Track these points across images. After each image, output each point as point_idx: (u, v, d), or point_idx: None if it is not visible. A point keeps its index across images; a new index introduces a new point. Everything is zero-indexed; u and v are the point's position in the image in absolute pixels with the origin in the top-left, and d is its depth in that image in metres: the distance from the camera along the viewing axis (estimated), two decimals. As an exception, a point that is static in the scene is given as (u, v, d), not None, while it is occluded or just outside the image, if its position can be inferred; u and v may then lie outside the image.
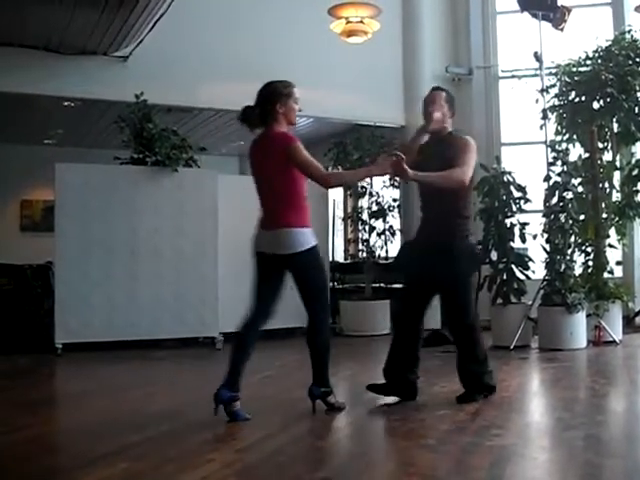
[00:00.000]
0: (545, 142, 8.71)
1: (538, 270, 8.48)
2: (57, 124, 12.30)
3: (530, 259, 8.53)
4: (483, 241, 8.60)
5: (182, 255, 8.78)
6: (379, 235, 10.54)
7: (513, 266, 8.45)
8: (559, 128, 9.39)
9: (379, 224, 10.53)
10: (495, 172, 8.61)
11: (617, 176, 9.36)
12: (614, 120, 9.09)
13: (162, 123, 9.00)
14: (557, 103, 9.35)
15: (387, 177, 10.08)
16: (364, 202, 10.58)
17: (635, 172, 9.22)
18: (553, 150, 8.47)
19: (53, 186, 8.55)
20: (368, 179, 10.27)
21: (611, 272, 8.69)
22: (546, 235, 8.26)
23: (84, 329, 8.30)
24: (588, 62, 9.16)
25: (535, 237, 8.41)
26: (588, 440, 4.00)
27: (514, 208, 8.51)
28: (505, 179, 8.55)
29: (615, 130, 9.16)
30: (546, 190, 8.36)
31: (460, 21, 11.57)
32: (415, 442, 4.23)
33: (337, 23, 8.72)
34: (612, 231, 9.05)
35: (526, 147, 10.77)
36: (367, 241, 10.52)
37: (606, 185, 9.09)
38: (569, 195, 8.31)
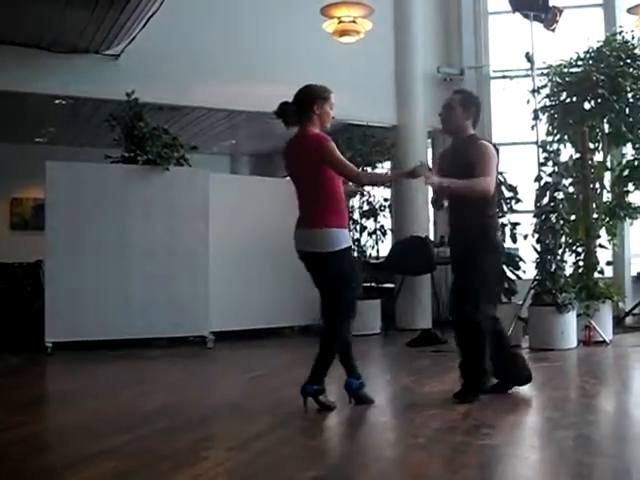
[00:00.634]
0: (536, 142, 8.72)
1: (529, 270, 8.51)
2: (48, 122, 12.27)
3: (521, 259, 8.55)
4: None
5: (173, 254, 8.76)
6: (370, 235, 10.55)
7: (504, 266, 8.45)
8: (550, 129, 9.42)
9: (370, 223, 10.55)
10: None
11: (608, 176, 9.38)
12: (605, 121, 9.12)
13: (153, 122, 8.99)
14: (548, 104, 9.39)
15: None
16: (355, 201, 10.59)
17: (626, 173, 9.26)
18: (544, 150, 8.49)
19: (44, 184, 8.52)
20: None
21: (601, 272, 8.72)
22: (537, 235, 8.28)
23: (74, 328, 8.26)
24: (579, 63, 9.20)
25: (526, 237, 8.43)
26: (578, 440, 4.02)
27: (505, 208, 8.53)
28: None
29: (606, 131, 9.18)
30: (537, 190, 8.38)
31: (452, 21, 11.59)
32: (406, 441, 4.24)
33: (329, 23, 8.71)
34: (603, 231, 9.08)
35: (517, 147, 10.78)
36: (358, 240, 10.52)
37: (597, 185, 9.13)
38: (560, 195, 8.32)
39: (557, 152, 8.60)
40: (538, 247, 8.25)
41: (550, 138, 9.25)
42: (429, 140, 11.69)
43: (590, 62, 9.06)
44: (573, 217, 8.55)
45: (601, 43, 9.19)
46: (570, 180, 8.70)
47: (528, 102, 9.13)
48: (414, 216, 10.88)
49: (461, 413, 4.78)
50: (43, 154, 10.24)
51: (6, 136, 13.00)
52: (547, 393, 5.71)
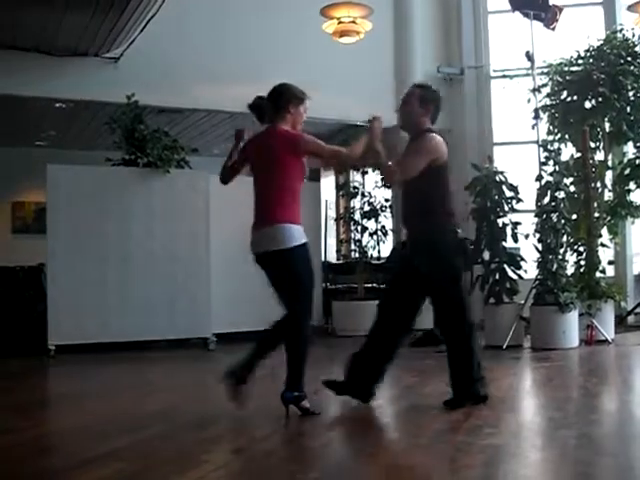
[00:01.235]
0: (537, 142, 8.71)
1: (530, 270, 8.49)
2: (49, 126, 12.27)
3: (522, 259, 8.53)
4: (476, 241, 8.61)
5: (174, 256, 8.76)
6: (371, 235, 10.55)
7: (505, 266, 8.45)
8: (551, 128, 9.40)
9: (371, 224, 10.55)
10: (487, 172, 8.60)
11: (609, 175, 9.37)
12: (606, 119, 9.10)
13: (154, 124, 8.99)
14: (549, 103, 9.38)
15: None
16: (356, 202, 10.59)
17: (627, 171, 9.25)
18: (545, 150, 8.48)
19: (45, 188, 8.54)
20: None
21: (603, 271, 8.70)
22: (538, 235, 8.26)
23: (77, 331, 8.29)
24: (580, 61, 9.18)
25: (527, 237, 8.41)
26: (581, 439, 4.00)
27: (506, 208, 8.51)
28: (497, 179, 8.55)
29: (607, 129, 9.17)
30: (538, 190, 8.37)
31: (451, 21, 11.59)
32: (408, 441, 4.23)
33: (329, 23, 8.73)
34: (604, 230, 9.06)
35: (518, 147, 10.79)
36: (359, 241, 10.53)
37: (598, 184, 9.11)
38: (561, 194, 8.31)
39: (558, 151, 8.60)
40: (539, 246, 8.24)
41: (551, 137, 9.24)
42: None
43: (590, 60, 9.06)
44: (574, 216, 8.55)
45: (601, 41, 9.18)
46: (571, 179, 8.70)
47: (529, 101, 9.12)
48: (415, 216, 10.85)
49: (463, 413, 4.76)
50: (44, 157, 10.23)
51: (7, 140, 12.99)
52: (549, 393, 5.70)
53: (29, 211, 14.19)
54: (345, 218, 10.93)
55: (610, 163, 9.37)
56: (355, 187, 10.61)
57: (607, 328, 8.19)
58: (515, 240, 8.52)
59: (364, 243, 10.53)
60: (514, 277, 8.47)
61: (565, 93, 9.27)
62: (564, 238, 8.33)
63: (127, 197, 8.69)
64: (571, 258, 8.54)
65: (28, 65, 8.78)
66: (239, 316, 9.01)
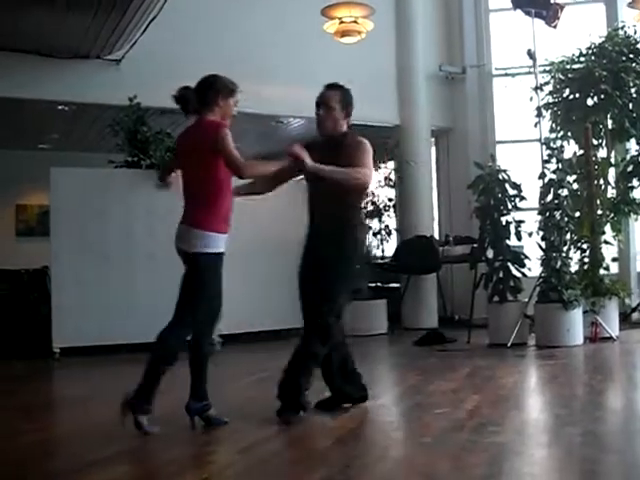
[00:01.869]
0: (540, 140, 8.69)
1: (534, 267, 8.48)
2: (52, 128, 12.27)
3: (526, 257, 8.52)
4: (479, 239, 8.62)
5: (177, 258, 8.71)
6: (375, 235, 10.55)
7: (509, 264, 8.44)
8: (553, 125, 9.38)
9: (375, 224, 10.54)
10: (490, 170, 8.60)
11: (612, 172, 9.34)
12: (608, 117, 9.08)
13: (156, 126, 8.99)
14: (551, 100, 9.36)
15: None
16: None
17: (630, 168, 9.22)
18: (548, 147, 8.46)
19: (48, 190, 8.54)
20: None
21: (607, 268, 8.68)
22: (542, 232, 8.24)
23: (81, 333, 8.28)
24: (582, 59, 9.16)
25: (531, 235, 8.39)
26: (586, 436, 4.00)
27: (509, 206, 8.49)
28: (500, 177, 8.54)
29: (609, 127, 9.15)
30: (541, 188, 8.35)
31: (453, 20, 11.59)
32: (413, 440, 4.24)
33: (330, 23, 8.73)
34: (607, 227, 9.03)
35: (521, 145, 10.77)
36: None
37: (601, 182, 9.09)
38: (564, 192, 8.29)
39: (561, 149, 8.58)
40: (543, 244, 8.23)
41: (553, 135, 9.22)
42: (432, 139, 11.69)
43: (592, 58, 9.03)
44: (578, 214, 8.52)
45: (603, 38, 9.15)
46: (574, 177, 8.67)
47: (531, 99, 9.10)
48: (419, 216, 10.88)
49: (467, 411, 4.78)
50: (47, 160, 10.23)
51: (10, 143, 13.00)
52: (554, 390, 5.70)
53: (33, 214, 14.19)
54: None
55: (613, 160, 9.33)
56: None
57: (611, 325, 8.17)
58: (519, 238, 8.51)
59: (368, 243, 10.52)
60: (518, 275, 8.46)
61: (567, 91, 9.25)
62: (567, 236, 8.30)
63: (130, 199, 8.69)
64: (575, 255, 8.52)
65: (30, 68, 8.77)
66: (244, 317, 9.01)
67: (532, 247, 8.50)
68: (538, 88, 9.04)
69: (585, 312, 8.01)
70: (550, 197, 8.28)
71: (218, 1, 9.77)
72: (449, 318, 11.04)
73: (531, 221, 8.45)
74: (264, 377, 6.55)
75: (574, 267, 8.42)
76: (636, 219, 9.76)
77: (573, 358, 7.25)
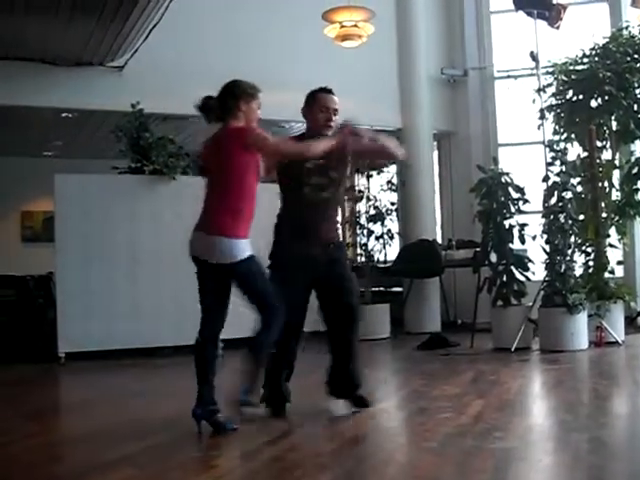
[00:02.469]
0: (543, 142, 8.67)
1: (538, 271, 8.45)
2: (56, 136, 12.31)
3: (530, 260, 8.49)
4: (482, 243, 8.60)
5: (181, 263, 8.69)
6: (377, 239, 10.53)
7: (513, 268, 8.41)
8: (557, 128, 9.32)
9: (377, 228, 10.52)
10: (493, 173, 8.57)
11: (616, 175, 9.30)
12: (613, 118, 9.01)
13: (159, 132, 9.00)
14: (554, 102, 9.30)
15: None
16: (362, 206, 10.57)
17: (635, 170, 9.13)
18: (551, 150, 8.43)
19: (53, 197, 8.57)
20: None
21: (612, 272, 8.62)
22: (545, 236, 8.21)
23: (86, 338, 8.32)
24: (585, 60, 9.07)
25: (534, 238, 8.36)
26: (592, 443, 3.97)
27: (513, 209, 8.47)
28: (503, 180, 8.51)
29: (614, 128, 9.08)
30: (545, 190, 8.32)
31: (454, 22, 11.58)
32: (417, 446, 4.22)
33: (331, 27, 8.71)
34: (612, 230, 8.98)
35: (524, 147, 10.76)
36: (365, 245, 10.51)
37: (605, 184, 9.04)
38: (568, 195, 8.26)
39: (564, 151, 8.54)
40: (547, 248, 8.19)
41: (557, 137, 9.16)
42: (434, 142, 11.68)
43: (596, 59, 8.94)
44: (582, 217, 8.48)
45: (607, 39, 9.05)
46: (578, 179, 8.63)
47: (534, 101, 9.08)
48: (421, 219, 10.88)
49: (472, 417, 4.75)
50: (51, 167, 10.26)
51: (15, 150, 13.07)
52: (559, 395, 5.66)
53: (38, 220, 14.25)
54: (351, 222, 10.91)
55: (617, 162, 9.28)
56: (360, 191, 10.60)
57: (617, 329, 8.12)
58: (522, 242, 8.48)
59: (370, 247, 10.51)
60: (522, 279, 8.43)
61: (571, 92, 9.18)
62: (572, 239, 8.26)
63: (134, 205, 8.72)
64: (579, 259, 8.47)
65: (33, 75, 8.81)
66: (246, 322, 8.99)
67: (536, 251, 8.46)
68: (541, 90, 9.01)
69: (590, 316, 7.96)
70: (554, 200, 8.24)
71: (219, 7, 9.77)
72: (452, 322, 11.02)
73: (535, 224, 8.42)
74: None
75: (579, 271, 8.38)
76: (641, 222, 9.73)
77: (578, 363, 7.22)
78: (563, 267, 8.08)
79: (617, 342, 7.98)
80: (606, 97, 8.77)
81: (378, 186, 10.67)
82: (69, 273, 8.41)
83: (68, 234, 8.44)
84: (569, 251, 8.20)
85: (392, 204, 10.58)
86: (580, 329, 7.82)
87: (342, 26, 8.61)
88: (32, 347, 8.99)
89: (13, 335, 9.27)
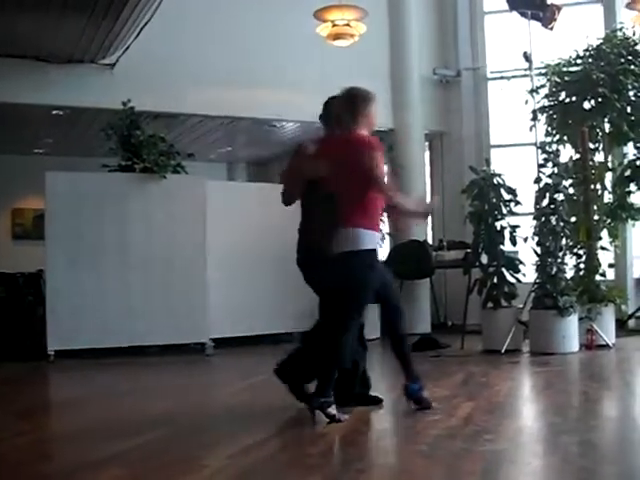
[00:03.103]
0: (535, 143, 8.66)
1: (529, 273, 8.44)
2: (46, 133, 12.27)
3: (521, 262, 8.48)
4: (473, 244, 8.58)
5: (172, 261, 8.77)
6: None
7: (503, 269, 8.40)
8: (549, 129, 9.31)
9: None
10: (485, 174, 8.55)
11: (609, 177, 9.28)
12: (606, 120, 8.99)
13: (150, 130, 8.97)
14: (547, 104, 9.29)
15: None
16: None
17: (627, 173, 9.13)
18: (543, 151, 8.42)
19: (44, 194, 8.55)
20: None
21: (603, 275, 8.62)
22: (537, 238, 8.20)
23: (76, 336, 8.31)
24: (579, 61, 9.06)
25: (526, 240, 8.34)
26: (582, 446, 3.95)
27: (504, 211, 8.45)
28: (495, 181, 8.50)
29: (607, 130, 9.06)
30: (537, 192, 8.30)
31: (447, 22, 11.56)
32: (407, 448, 4.19)
33: (323, 26, 8.68)
34: (604, 233, 8.97)
35: (516, 149, 10.75)
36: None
37: (598, 186, 9.03)
38: (560, 197, 8.24)
39: (556, 153, 8.52)
40: (538, 250, 8.17)
41: (549, 139, 9.15)
42: (426, 143, 11.67)
43: (590, 60, 8.93)
44: (574, 219, 8.47)
45: (601, 40, 9.04)
46: (570, 181, 8.62)
47: (526, 103, 9.08)
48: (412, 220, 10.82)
49: (461, 419, 4.73)
50: (42, 165, 10.24)
51: (6, 147, 13.04)
52: (549, 398, 5.64)
53: (29, 218, 14.22)
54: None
55: (610, 164, 9.27)
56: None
57: (607, 332, 8.11)
58: (513, 243, 8.47)
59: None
60: (512, 281, 8.41)
61: (564, 94, 9.17)
62: (563, 241, 8.24)
63: (124, 203, 8.71)
64: (570, 261, 8.46)
65: (24, 73, 8.77)
66: (236, 321, 9.00)
67: (527, 252, 8.44)
68: (534, 91, 9.00)
69: (581, 319, 7.95)
70: (546, 202, 8.23)
71: (211, 6, 9.74)
72: (442, 324, 11.01)
73: (526, 226, 8.40)
74: (257, 381, 6.54)
75: (570, 273, 8.36)
76: (633, 225, 9.72)
77: (568, 365, 7.21)
78: (554, 269, 8.06)
79: (608, 345, 7.97)
80: (599, 99, 8.75)
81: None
82: (59, 271, 8.41)
83: (58, 232, 8.43)
84: (560, 253, 8.19)
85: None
86: (571, 332, 7.81)
87: (334, 25, 8.57)
88: (21, 345, 8.96)
89: (2, 333, 9.24)
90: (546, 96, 9.29)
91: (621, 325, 9.00)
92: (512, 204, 8.46)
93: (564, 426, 4.48)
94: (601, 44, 8.99)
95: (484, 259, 8.47)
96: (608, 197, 9.20)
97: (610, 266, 9.09)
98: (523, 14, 8.78)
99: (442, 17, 11.61)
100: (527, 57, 8.63)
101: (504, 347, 7.93)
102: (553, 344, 7.77)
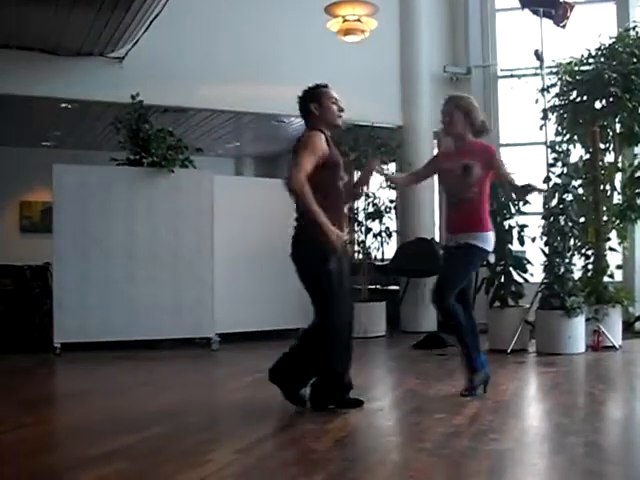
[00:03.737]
0: (545, 143, 8.62)
1: (537, 273, 8.41)
2: (55, 126, 12.28)
3: (529, 262, 8.45)
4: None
5: (179, 256, 8.77)
6: (375, 236, 10.47)
7: (511, 269, 8.37)
8: (559, 129, 9.22)
9: (375, 225, 10.46)
10: (494, 173, 8.50)
11: (619, 178, 9.21)
12: (617, 120, 8.89)
13: (158, 124, 8.96)
14: (558, 103, 9.21)
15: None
16: (360, 203, 10.51)
17: (637, 174, 9.02)
18: (553, 151, 8.37)
19: (51, 187, 8.54)
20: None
21: (611, 276, 8.57)
22: (545, 238, 8.17)
23: (82, 329, 8.33)
24: (591, 60, 8.93)
25: (534, 240, 8.32)
26: (588, 447, 3.93)
27: (513, 210, 8.42)
28: (504, 180, 8.45)
29: (618, 130, 8.97)
30: (545, 192, 8.27)
31: (458, 19, 11.49)
32: (412, 446, 4.17)
33: (334, 22, 8.66)
34: (613, 234, 8.90)
35: (526, 148, 10.69)
36: (363, 242, 10.46)
37: (607, 187, 8.96)
38: (569, 197, 8.20)
39: (567, 153, 8.47)
40: (546, 250, 8.14)
41: (559, 138, 9.07)
42: (435, 141, 11.63)
43: (602, 59, 8.81)
44: (582, 219, 8.42)
45: (614, 39, 8.90)
46: (580, 181, 8.57)
47: (537, 101, 9.02)
48: (419, 218, 10.83)
49: (467, 417, 4.72)
50: (50, 157, 10.26)
51: (14, 140, 13.09)
52: (555, 398, 5.62)
53: (36, 210, 14.29)
54: (349, 219, 10.83)
55: (620, 165, 9.20)
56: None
57: (614, 334, 8.07)
58: (521, 243, 8.44)
59: (368, 244, 10.46)
60: (520, 280, 8.39)
61: (575, 93, 9.07)
62: (572, 241, 8.20)
63: (132, 197, 8.70)
64: (579, 262, 8.41)
65: (33, 65, 8.76)
66: (243, 316, 8.99)
67: (535, 252, 8.42)
68: (545, 90, 8.95)
69: (587, 320, 7.92)
70: (555, 202, 8.19)
71: (220, 1, 9.72)
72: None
73: (534, 226, 8.37)
74: (263, 377, 6.51)
75: (577, 274, 8.32)
76: (643, 226, 9.67)
77: (574, 366, 7.18)
78: (562, 270, 8.03)
79: (614, 347, 7.93)
80: (611, 99, 8.65)
81: (377, 184, 10.61)
82: (66, 264, 8.41)
83: (66, 225, 8.43)
84: (568, 254, 8.15)
85: (391, 202, 10.51)
86: (577, 332, 7.78)
87: (345, 20, 8.55)
88: (28, 337, 9.01)
89: (9, 325, 9.30)
90: (557, 95, 9.21)
91: (628, 327, 8.96)
92: (521, 203, 8.41)
93: (570, 427, 4.47)
94: (613, 43, 8.86)
95: (492, 258, 8.42)
96: (617, 198, 9.13)
97: (618, 267, 9.04)
98: (535, 12, 8.73)
99: (453, 14, 11.55)
100: (538, 55, 8.58)
101: (510, 347, 7.90)
102: (559, 345, 7.74)
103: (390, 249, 10.86)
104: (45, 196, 12.21)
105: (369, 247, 10.46)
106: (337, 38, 8.89)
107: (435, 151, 11.70)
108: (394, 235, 10.67)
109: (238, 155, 15.88)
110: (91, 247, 8.50)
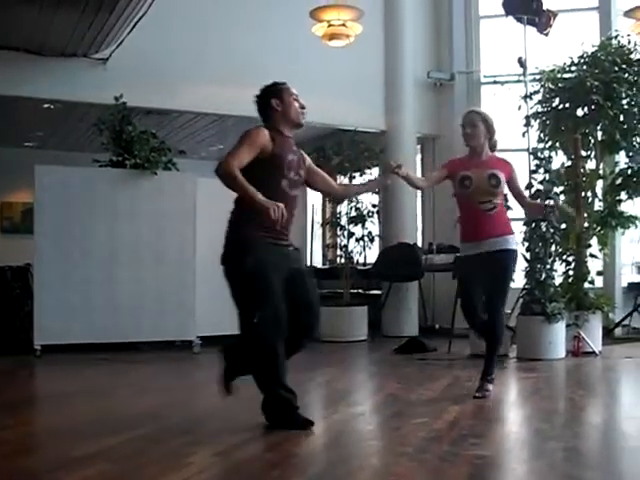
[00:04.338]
0: (527, 149, 8.67)
1: (517, 279, 8.43)
2: (37, 126, 12.23)
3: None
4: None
5: (161, 258, 8.74)
6: (358, 241, 10.47)
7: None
8: (542, 135, 9.28)
9: (358, 230, 10.47)
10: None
11: (600, 185, 9.28)
12: (598, 128, 8.97)
13: (141, 126, 8.94)
14: (540, 110, 9.27)
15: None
16: (343, 207, 10.52)
17: (618, 181, 9.10)
18: (535, 158, 8.43)
19: (33, 188, 8.50)
20: None
21: (592, 282, 8.63)
22: (527, 244, 8.21)
23: (63, 331, 8.27)
24: (573, 68, 9.01)
25: (515, 246, 8.35)
26: (568, 452, 3.95)
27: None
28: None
29: (599, 138, 9.04)
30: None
31: (443, 25, 11.55)
32: (393, 450, 4.17)
33: (319, 26, 8.66)
34: (594, 241, 8.96)
35: (508, 154, 10.69)
36: (346, 247, 10.47)
37: (589, 194, 9.03)
38: (551, 203, 8.24)
39: (549, 159, 8.53)
40: (528, 256, 8.18)
41: (542, 145, 9.13)
42: (418, 146, 11.67)
43: (584, 67, 8.89)
44: (564, 226, 8.48)
45: (596, 48, 9.00)
46: (562, 188, 8.63)
47: (519, 108, 9.08)
48: (402, 223, 10.86)
49: (448, 422, 4.72)
50: (32, 158, 10.19)
51: (-4, 140, 13.00)
52: (536, 404, 5.64)
53: (17, 211, 14.21)
54: (331, 223, 10.86)
55: (601, 172, 9.26)
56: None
57: (594, 340, 8.12)
58: (503, 249, 8.45)
59: (350, 248, 10.46)
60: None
61: (557, 100, 9.13)
62: (553, 247, 8.26)
63: (114, 198, 8.66)
64: (560, 268, 8.47)
65: (16, 65, 8.72)
66: (225, 319, 8.94)
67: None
68: (527, 97, 9.00)
69: (568, 326, 7.97)
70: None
71: (206, 3, 9.71)
72: (430, 327, 11.00)
73: (516, 232, 8.38)
74: (243, 379, 6.51)
75: (558, 280, 8.38)
76: (623, 233, 9.74)
77: (555, 372, 7.21)
78: (543, 275, 8.08)
79: (594, 352, 7.98)
80: (593, 106, 8.72)
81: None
82: (47, 265, 8.35)
83: (47, 226, 8.38)
84: (549, 260, 8.19)
85: (373, 206, 10.52)
86: (558, 338, 7.83)
87: (330, 25, 8.55)
88: (8, 338, 8.94)
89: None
90: (539, 102, 9.27)
91: (608, 333, 9.03)
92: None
93: (550, 432, 4.48)
94: (596, 51, 8.94)
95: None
96: (599, 205, 9.19)
97: (599, 274, 9.11)
98: (519, 19, 8.79)
99: (437, 20, 11.60)
100: (521, 62, 8.64)
101: (491, 352, 7.91)
102: (540, 350, 7.78)
103: (372, 254, 10.87)
104: (26, 197, 12.16)
105: (351, 251, 10.46)
106: (321, 42, 8.89)
107: (419, 157, 11.77)
108: (376, 240, 10.68)
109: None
110: (73, 248, 8.45)
